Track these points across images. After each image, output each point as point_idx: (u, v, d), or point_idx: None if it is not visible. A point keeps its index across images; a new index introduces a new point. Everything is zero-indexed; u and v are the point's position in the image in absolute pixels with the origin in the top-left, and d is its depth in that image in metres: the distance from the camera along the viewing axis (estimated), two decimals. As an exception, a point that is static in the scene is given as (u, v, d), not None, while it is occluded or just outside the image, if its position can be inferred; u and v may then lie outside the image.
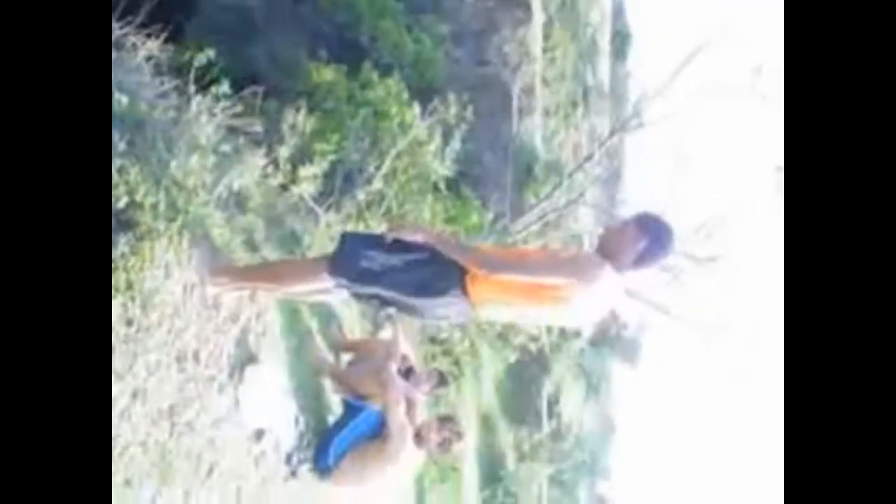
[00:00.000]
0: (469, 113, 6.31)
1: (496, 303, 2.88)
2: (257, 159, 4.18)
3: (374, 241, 2.95)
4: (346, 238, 3.08)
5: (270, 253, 4.17)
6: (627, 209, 8.40)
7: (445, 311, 2.95)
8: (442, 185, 6.30)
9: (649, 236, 2.83)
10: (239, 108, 3.88)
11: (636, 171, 14.05)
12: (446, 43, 8.60)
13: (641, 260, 2.84)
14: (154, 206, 2.69)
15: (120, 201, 2.58)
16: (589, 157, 9.72)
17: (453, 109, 6.22)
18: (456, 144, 6.17)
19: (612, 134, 9.73)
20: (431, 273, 2.86)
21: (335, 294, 3.12)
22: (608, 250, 2.86)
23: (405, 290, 2.88)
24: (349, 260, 2.92)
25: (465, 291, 2.84)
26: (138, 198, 2.63)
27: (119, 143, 2.65)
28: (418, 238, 2.89)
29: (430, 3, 8.96)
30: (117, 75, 3.14)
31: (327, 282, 2.98)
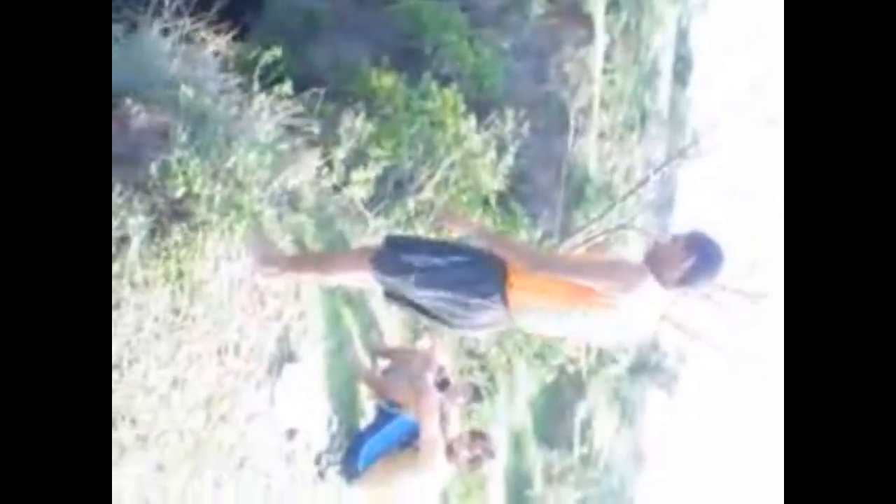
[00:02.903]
0: (525, 129, 6.28)
1: (536, 310, 2.83)
2: (313, 160, 4.23)
3: (419, 242, 2.97)
4: (390, 238, 3.14)
5: (318, 253, 4.19)
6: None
7: (481, 317, 2.91)
8: (492, 199, 6.27)
9: (698, 256, 2.73)
10: (299, 108, 3.93)
11: (689, 199, 13.82)
12: (507, 58, 8.58)
13: (686, 279, 2.76)
14: (210, 199, 2.73)
15: (178, 191, 2.62)
16: (644, 182, 9.59)
17: (509, 124, 6.20)
18: (509, 159, 6.15)
19: (668, 160, 9.61)
20: (473, 274, 2.85)
21: (374, 285, 3.14)
22: (654, 264, 2.79)
23: (444, 288, 2.86)
24: (392, 253, 2.97)
25: (504, 298, 2.81)
26: (195, 189, 2.67)
27: (181, 135, 2.70)
28: (461, 228, 2.88)
29: (494, 17, 8.96)
30: (185, 69, 3.21)
31: (368, 272, 3.01)
